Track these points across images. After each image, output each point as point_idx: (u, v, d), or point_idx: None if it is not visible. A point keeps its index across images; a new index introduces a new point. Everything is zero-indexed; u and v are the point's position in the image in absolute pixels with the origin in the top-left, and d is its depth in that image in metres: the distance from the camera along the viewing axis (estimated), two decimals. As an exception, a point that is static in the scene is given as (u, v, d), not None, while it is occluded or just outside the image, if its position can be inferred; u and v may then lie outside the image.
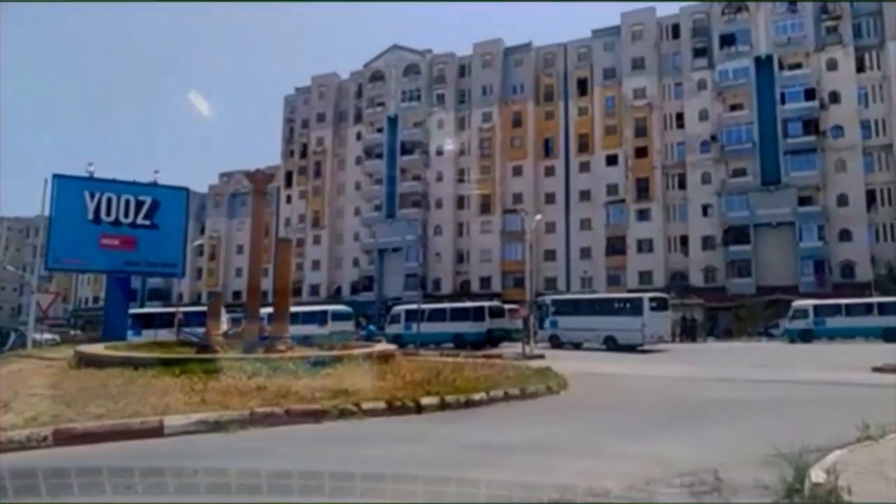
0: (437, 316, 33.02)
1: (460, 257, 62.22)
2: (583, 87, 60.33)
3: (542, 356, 22.24)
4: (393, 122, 65.82)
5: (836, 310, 32.18)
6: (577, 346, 29.60)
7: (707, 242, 52.89)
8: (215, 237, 75.23)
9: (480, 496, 3.81)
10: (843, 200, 49.26)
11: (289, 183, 73.00)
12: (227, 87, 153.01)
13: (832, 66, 50.58)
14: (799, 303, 33.81)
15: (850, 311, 31.88)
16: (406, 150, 64.84)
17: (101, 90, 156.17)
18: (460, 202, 63.22)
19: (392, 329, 34.01)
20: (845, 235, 48.80)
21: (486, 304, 34.69)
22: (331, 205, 68.61)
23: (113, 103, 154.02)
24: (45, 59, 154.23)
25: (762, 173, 51.03)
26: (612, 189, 57.20)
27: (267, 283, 60.10)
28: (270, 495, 3.49)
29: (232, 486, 3.60)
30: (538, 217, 36.89)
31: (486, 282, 59.40)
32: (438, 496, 3.67)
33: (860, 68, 50.08)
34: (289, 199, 72.81)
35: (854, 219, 48.47)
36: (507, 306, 34.48)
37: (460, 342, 29.75)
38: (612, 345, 28.25)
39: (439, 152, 64.22)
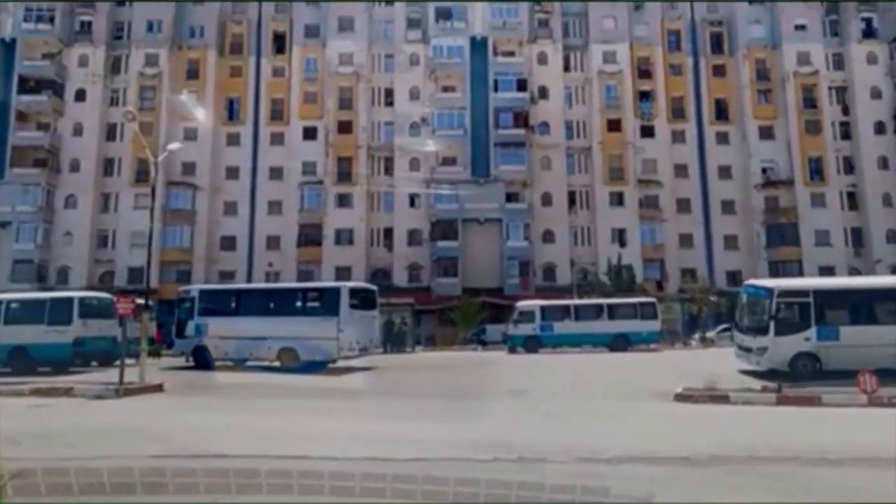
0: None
1: (102, 240, 46.28)
2: (280, 43, 49.78)
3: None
4: (9, 46, 46.88)
5: (564, 312, 26.93)
6: (237, 363, 19.06)
7: (413, 237, 46.48)
8: None
9: (481, 496, 3.66)
10: (547, 199, 47.01)
11: None
12: None
13: (542, 59, 48.43)
14: (524, 304, 28.02)
15: (579, 314, 26.84)
16: (28, 88, 46.57)
17: None
18: (107, 167, 47.34)
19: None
20: (548, 236, 46.51)
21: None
22: None
23: None
24: None
25: (473, 164, 46.40)
26: (309, 168, 47.60)
27: None
28: (270, 495, 3.38)
29: (232, 486, 3.48)
30: (174, 146, 24.07)
31: (137, 273, 44.58)
32: (438, 496, 3.53)
33: (567, 67, 48.75)
34: None
35: (557, 219, 46.45)
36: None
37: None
38: (290, 361, 18.36)
39: (80, 97, 47.49)
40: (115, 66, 48.45)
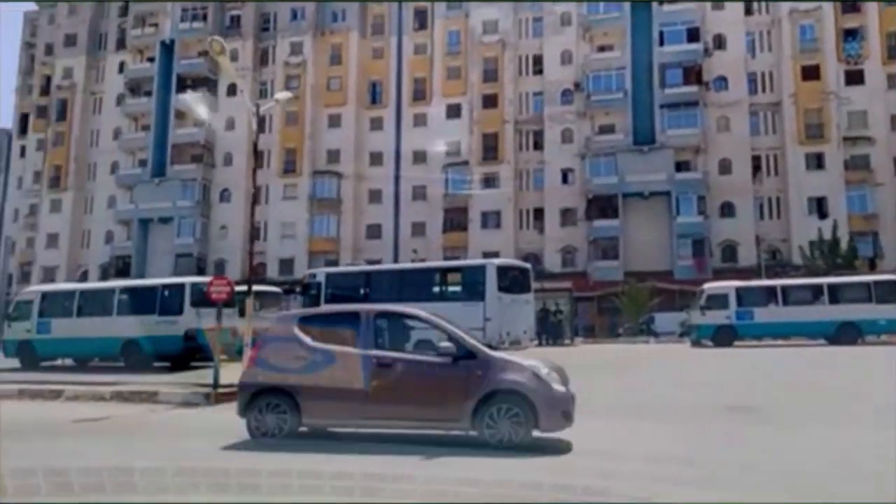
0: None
1: (255, 232, 46.49)
2: (421, 18, 47.29)
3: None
4: (168, 48, 48.61)
5: (769, 296, 21.26)
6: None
7: (567, 216, 41.95)
8: None
9: (480, 496, 3.63)
10: (725, 167, 40.31)
11: (24, 129, 53.02)
12: None
13: (718, 4, 41.50)
14: (714, 286, 22.60)
15: (789, 297, 21.05)
16: (185, 86, 47.98)
17: None
18: (259, 159, 47.46)
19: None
20: (727, 210, 39.87)
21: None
22: (78, 159, 49.84)
23: None
24: None
25: (634, 131, 40.85)
26: (452, 148, 44.63)
27: None
28: (270, 495, 3.34)
29: (232, 486, 3.46)
30: (282, 95, 21.13)
31: (287, 265, 44.35)
32: (438, 496, 3.50)
33: (748, 10, 41.46)
34: (23, 151, 52.81)
35: (738, 190, 39.62)
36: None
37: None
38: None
39: (231, 92, 48.05)
40: (262, 59, 48.64)
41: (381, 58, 47.57)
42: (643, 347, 24.04)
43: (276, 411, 6.65)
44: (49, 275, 46.80)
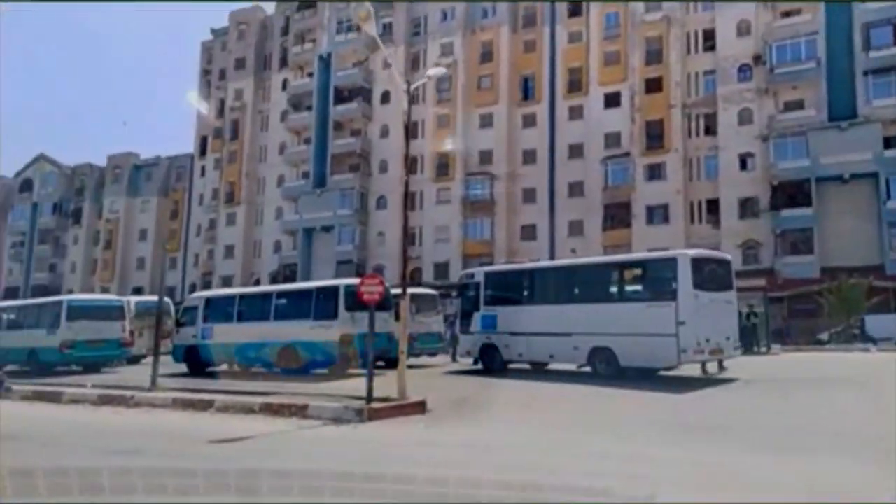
0: None
1: (410, 238, 46.50)
2: (575, 4, 44.71)
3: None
4: (325, 62, 50.22)
5: None
6: (534, 365, 14.25)
7: (746, 207, 37.24)
8: (113, 220, 59.64)
9: (481, 496, 3.51)
10: (951, 140, 33.52)
11: (203, 150, 57.52)
12: (137, 40, 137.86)
13: (932, -55, 34.84)
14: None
15: None
16: (342, 97, 49.22)
17: None
18: (411, 165, 47.49)
19: None
20: (955, 191, 33.09)
21: None
22: (249, 174, 53.03)
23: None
24: None
25: (830, 105, 35.31)
26: (612, 139, 41.59)
27: (175, 278, 40.43)
28: (270, 495, 3.22)
29: (231, 487, 3.36)
30: (435, 71, 19.20)
31: (441, 269, 43.70)
32: (438, 497, 3.37)
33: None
34: (203, 171, 57.26)
35: (968, 167, 32.74)
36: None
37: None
38: (605, 365, 12.83)
39: (385, 99, 48.67)
40: (413, 64, 48.65)
41: (534, 51, 45.61)
42: (866, 357, 19.77)
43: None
44: (227, 283, 49.98)
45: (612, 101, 41.99)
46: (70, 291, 54.01)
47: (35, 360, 18.44)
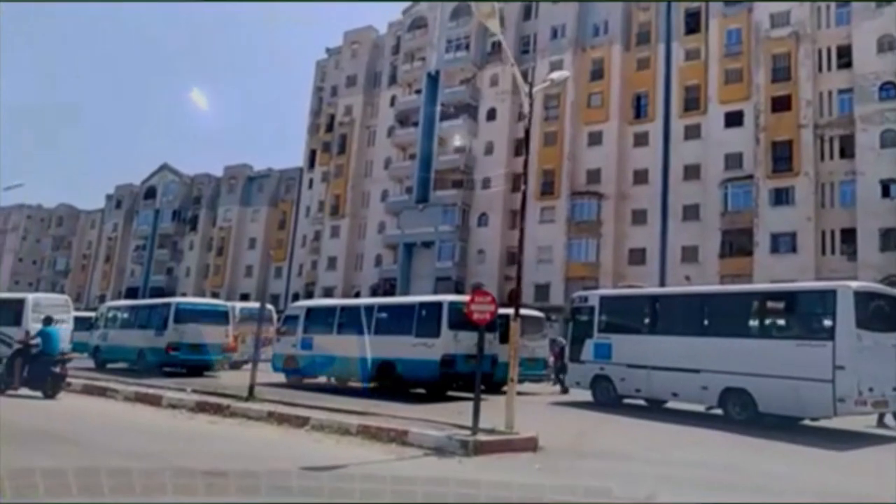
0: None
1: (510, 257, 45.46)
2: (693, 21, 42.52)
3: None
4: (434, 80, 50.41)
5: None
6: (651, 402, 12.82)
7: (889, 238, 33.52)
8: (226, 228, 62.44)
9: (481, 496, 3.58)
10: None
11: (312, 163, 59.23)
12: (256, 60, 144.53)
13: None
14: None
15: None
16: (448, 114, 49.16)
17: (116, 78, 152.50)
18: (515, 182, 46.61)
19: None
20: None
21: None
22: (354, 188, 53.91)
23: (132, 92, 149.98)
24: (61, 50, 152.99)
25: None
26: (732, 160, 38.91)
27: (280, 286, 42.32)
28: (269, 496, 3.27)
29: (231, 487, 3.39)
30: (558, 74, 17.78)
31: (542, 290, 42.25)
32: (439, 497, 3.44)
33: None
34: (311, 184, 58.92)
35: None
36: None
37: None
38: (739, 410, 11.23)
39: (490, 116, 48.17)
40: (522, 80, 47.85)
41: (647, 68, 43.69)
42: None
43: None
44: (328, 294, 50.82)
45: (733, 120, 39.37)
46: (183, 294, 56.80)
47: (143, 360, 18.85)
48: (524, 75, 49.23)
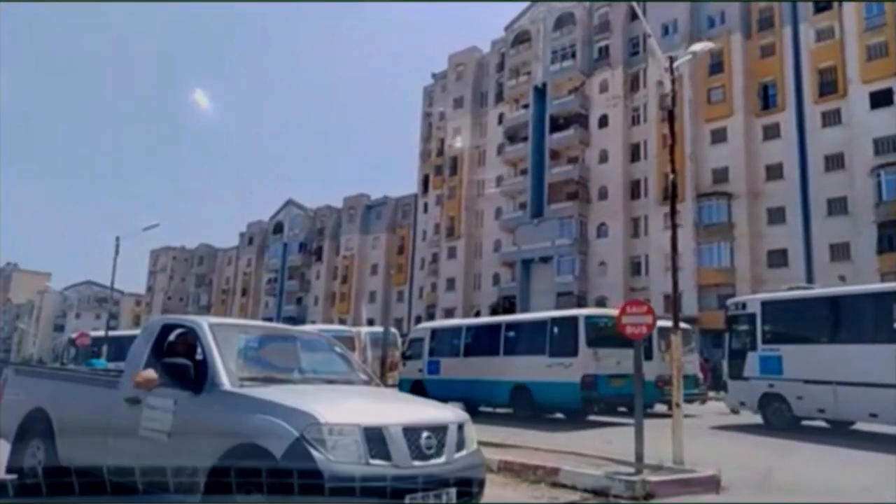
0: None
1: (634, 267, 43.22)
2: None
3: None
4: (541, 92, 49.48)
5: None
6: (835, 424, 11.03)
7: None
8: (349, 256, 64.33)
9: (481, 496, 3.54)
10: None
11: (426, 188, 59.88)
12: (367, 89, 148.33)
13: None
14: None
15: None
16: (557, 126, 47.97)
17: (249, 124, 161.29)
18: (633, 189, 44.51)
19: None
20: None
21: None
22: (468, 208, 53.78)
23: (263, 132, 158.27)
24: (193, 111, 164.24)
25: None
26: (883, 145, 34.91)
27: (402, 310, 42.87)
28: (271, 493, 3.26)
29: (232, 487, 3.33)
30: (700, 46, 15.60)
31: (671, 300, 39.53)
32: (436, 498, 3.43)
33: None
34: (426, 208, 59.51)
35: None
36: None
37: None
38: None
39: (602, 123, 46.46)
40: (632, 85, 45.94)
41: (773, 55, 40.44)
42: None
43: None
44: (449, 315, 50.68)
45: (880, 99, 35.41)
46: (313, 322, 58.78)
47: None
48: (634, 78, 47.09)
